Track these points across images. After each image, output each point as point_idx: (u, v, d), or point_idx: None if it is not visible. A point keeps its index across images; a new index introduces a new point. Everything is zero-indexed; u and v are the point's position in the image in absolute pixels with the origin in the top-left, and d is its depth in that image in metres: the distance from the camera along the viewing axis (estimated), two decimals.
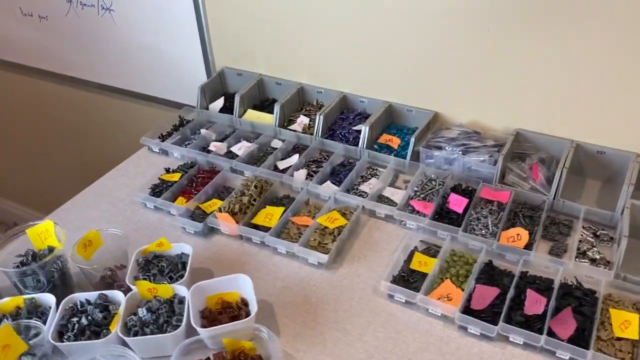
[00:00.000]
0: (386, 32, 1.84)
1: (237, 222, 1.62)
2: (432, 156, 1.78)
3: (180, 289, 1.36)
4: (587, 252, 1.48)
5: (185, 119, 2.17)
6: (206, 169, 1.89)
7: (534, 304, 1.33)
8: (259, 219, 1.64)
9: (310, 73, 2.09)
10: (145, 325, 1.28)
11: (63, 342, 1.27)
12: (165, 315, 1.30)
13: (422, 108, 1.92)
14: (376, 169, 1.85)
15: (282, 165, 1.88)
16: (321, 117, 1.92)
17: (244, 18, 2.09)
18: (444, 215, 1.61)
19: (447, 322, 1.36)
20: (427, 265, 1.47)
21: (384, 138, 1.90)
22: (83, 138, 3.01)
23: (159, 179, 1.84)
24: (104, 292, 1.37)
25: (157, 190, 1.80)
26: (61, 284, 1.43)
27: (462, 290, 1.40)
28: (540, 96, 1.71)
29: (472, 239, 1.52)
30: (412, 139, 1.79)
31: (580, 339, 1.25)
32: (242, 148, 1.96)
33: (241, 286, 1.39)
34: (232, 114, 2.11)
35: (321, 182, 1.77)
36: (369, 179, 1.80)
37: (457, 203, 1.62)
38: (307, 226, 1.61)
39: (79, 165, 3.14)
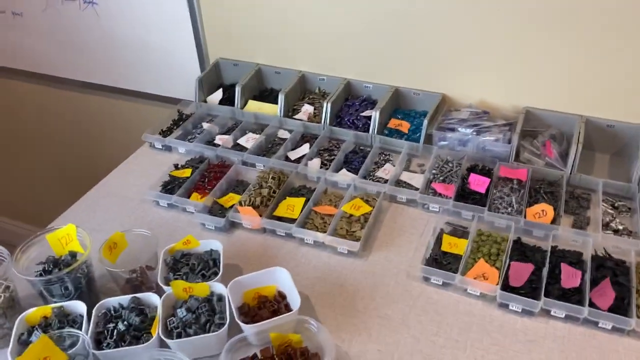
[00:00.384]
0: (388, 15, 1.83)
1: (260, 215, 1.58)
2: (446, 138, 1.79)
3: (216, 286, 1.33)
4: (610, 224, 1.52)
5: (184, 114, 2.10)
6: (216, 163, 1.84)
7: (570, 277, 1.36)
8: (281, 211, 1.61)
9: (311, 60, 2.06)
10: (187, 326, 1.24)
11: (102, 349, 1.21)
12: (206, 315, 1.26)
13: (429, 91, 1.92)
14: (389, 154, 1.84)
15: (293, 155, 1.85)
16: (328, 104, 1.90)
17: (239, 6, 2.04)
18: (466, 196, 1.62)
19: (486, 301, 1.38)
20: (458, 246, 1.48)
21: (393, 123, 1.90)
22: (71, 141, 2.87)
23: (170, 175, 1.78)
24: (136, 295, 1.32)
25: (169, 187, 1.74)
26: (87, 290, 1.37)
27: (497, 268, 1.41)
28: (547, 73, 1.74)
29: (498, 218, 1.54)
30: (425, 122, 1.79)
31: (620, 308, 1.28)
32: (249, 140, 1.92)
33: (278, 279, 1.36)
34: (232, 105, 2.06)
35: (336, 171, 1.75)
36: (383, 164, 1.79)
37: (478, 183, 1.63)
38: (331, 215, 1.59)
39: (69, 171, 2.99)
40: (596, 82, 1.70)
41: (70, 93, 2.61)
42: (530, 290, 1.35)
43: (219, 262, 1.40)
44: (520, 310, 1.33)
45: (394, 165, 1.77)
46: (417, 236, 1.56)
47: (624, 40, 1.59)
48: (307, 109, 2.01)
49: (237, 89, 2.03)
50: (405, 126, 1.88)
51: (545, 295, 1.32)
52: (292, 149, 1.88)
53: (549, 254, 1.42)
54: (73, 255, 1.39)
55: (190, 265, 1.40)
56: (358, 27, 1.90)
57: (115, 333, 1.23)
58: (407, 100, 1.97)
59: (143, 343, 1.22)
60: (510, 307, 1.34)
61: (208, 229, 1.63)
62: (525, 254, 1.45)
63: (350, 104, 1.99)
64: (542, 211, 1.53)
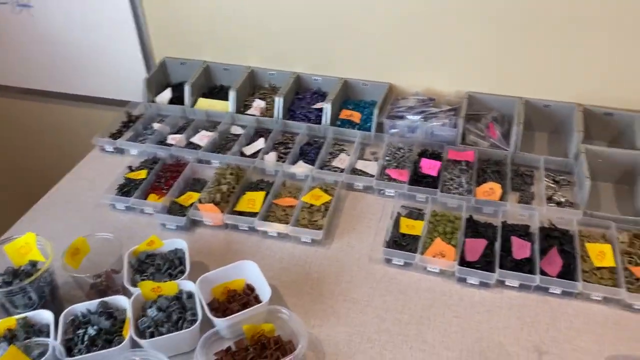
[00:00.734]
0: (334, 9, 1.88)
1: (222, 212, 1.60)
2: (396, 126, 1.85)
3: (185, 284, 1.33)
4: (553, 197, 1.63)
5: (133, 115, 2.08)
6: (171, 163, 1.83)
7: (520, 248, 1.45)
8: (242, 206, 1.63)
9: (260, 56, 2.08)
10: (159, 325, 1.25)
11: (74, 355, 1.20)
12: (177, 312, 1.27)
13: (377, 81, 1.98)
14: (342, 144, 1.89)
15: (248, 150, 1.87)
16: (280, 99, 1.93)
17: (183, 4, 2.03)
18: (419, 180, 1.69)
19: (445, 277, 1.45)
20: (415, 227, 1.55)
21: (345, 114, 1.95)
22: (17, 149, 2.74)
23: (125, 178, 1.76)
24: (104, 299, 1.31)
25: (125, 189, 1.72)
26: (52, 299, 1.35)
27: (453, 246, 1.48)
28: (486, 59, 1.84)
29: (450, 198, 1.61)
30: (376, 111, 1.85)
31: (567, 274, 1.38)
32: (202, 138, 1.92)
33: (246, 272, 1.38)
34: (181, 104, 2.05)
35: (293, 163, 1.79)
36: (338, 154, 1.84)
37: (430, 167, 1.70)
38: (292, 207, 1.62)
39: (18, 180, 2.84)
40: (532, 65, 1.81)
41: (9, 100, 2.51)
42: (485, 264, 1.43)
43: (185, 260, 1.41)
44: (477, 283, 1.41)
45: (348, 155, 1.82)
46: (375, 221, 1.62)
47: (556, 25, 1.70)
48: (258, 104, 2.03)
49: (186, 88, 2.02)
50: (356, 116, 1.93)
51: (500, 268, 1.40)
52: (247, 144, 1.89)
53: (499, 228, 1.51)
54: (33, 264, 1.36)
55: (156, 265, 1.40)
56: (305, 21, 1.94)
57: (86, 338, 1.22)
58: (356, 91, 2.03)
59: (116, 346, 1.21)
60: (468, 281, 1.42)
61: (169, 229, 1.63)
62: (477, 230, 1.53)
63: (302, 97, 2.02)
64: (491, 189, 1.62)
